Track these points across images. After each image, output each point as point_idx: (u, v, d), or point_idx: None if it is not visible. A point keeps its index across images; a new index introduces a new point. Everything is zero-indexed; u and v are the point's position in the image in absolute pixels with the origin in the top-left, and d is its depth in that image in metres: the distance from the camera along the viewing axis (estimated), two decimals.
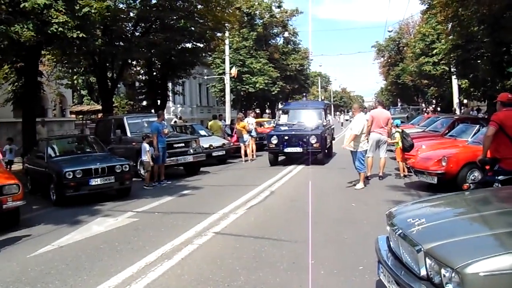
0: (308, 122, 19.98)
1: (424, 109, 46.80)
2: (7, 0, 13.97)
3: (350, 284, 6.05)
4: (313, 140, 18.37)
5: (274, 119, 33.46)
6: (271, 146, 19.09)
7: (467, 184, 9.93)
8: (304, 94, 31.21)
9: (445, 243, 4.07)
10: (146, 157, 15.11)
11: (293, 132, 19.09)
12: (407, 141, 14.45)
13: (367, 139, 14.14)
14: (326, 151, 19.84)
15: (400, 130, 14.95)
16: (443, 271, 3.81)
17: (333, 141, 23.26)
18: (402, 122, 18.45)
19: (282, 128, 19.99)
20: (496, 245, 4.00)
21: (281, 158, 20.07)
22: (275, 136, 19.01)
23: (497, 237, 4.13)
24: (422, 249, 4.09)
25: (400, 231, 4.63)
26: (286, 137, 18.83)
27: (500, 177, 7.32)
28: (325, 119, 20.93)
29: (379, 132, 14.50)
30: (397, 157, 14.90)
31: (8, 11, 14.06)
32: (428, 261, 4.01)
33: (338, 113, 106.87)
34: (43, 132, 21.67)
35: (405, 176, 14.43)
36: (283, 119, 21.51)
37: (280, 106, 45.37)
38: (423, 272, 4.07)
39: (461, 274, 3.63)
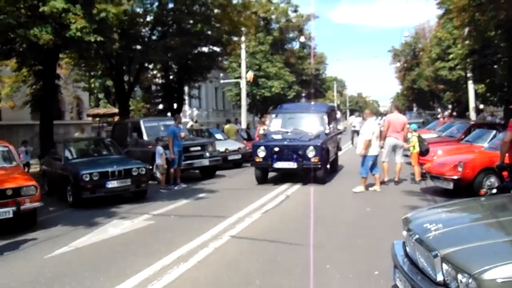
0: (307, 129, 16.23)
1: (441, 114, 46.43)
2: (26, 4, 14.15)
3: None
4: (311, 153, 14.73)
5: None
6: (257, 160, 15.44)
7: (484, 189, 9.88)
8: (303, 95, 23.36)
9: (462, 249, 4.06)
10: (160, 160, 15.19)
11: (286, 143, 15.37)
12: (423, 145, 14.45)
13: (383, 144, 14.22)
14: (328, 166, 16.15)
15: (417, 135, 14.92)
16: (460, 276, 3.80)
17: (340, 152, 20.31)
18: (418, 127, 18.22)
19: (274, 136, 16.04)
20: None
21: (272, 174, 16.68)
22: (262, 147, 15.39)
23: None
24: (438, 254, 4.08)
25: (417, 236, 4.63)
26: (277, 149, 15.12)
27: None
28: (329, 125, 16.76)
29: (395, 137, 14.44)
30: (413, 161, 14.82)
31: (27, 15, 14.23)
32: (445, 266, 4.00)
33: (353, 116, 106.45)
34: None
35: (420, 181, 14.38)
36: (276, 125, 17.09)
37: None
38: (439, 278, 4.06)
39: (478, 280, 3.62)
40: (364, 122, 14.37)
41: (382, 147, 14.60)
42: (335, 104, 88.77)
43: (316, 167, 14.78)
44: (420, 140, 14.59)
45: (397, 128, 14.48)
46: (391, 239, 5.69)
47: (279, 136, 15.95)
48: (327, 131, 16.27)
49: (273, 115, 18.17)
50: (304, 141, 15.19)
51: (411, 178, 14.88)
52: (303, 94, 25.00)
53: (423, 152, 14.42)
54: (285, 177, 16.17)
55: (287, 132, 16.27)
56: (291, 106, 20.81)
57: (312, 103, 23.71)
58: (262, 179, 15.81)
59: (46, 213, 11.79)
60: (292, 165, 15.02)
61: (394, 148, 14.49)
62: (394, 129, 14.45)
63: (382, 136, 14.46)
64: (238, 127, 26.09)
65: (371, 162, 13.44)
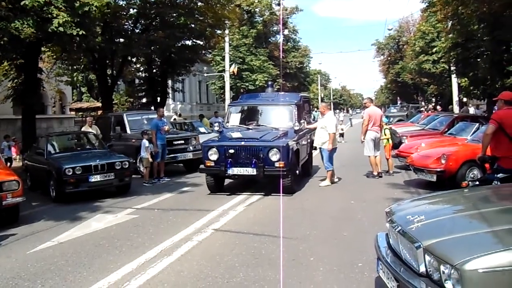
0: (272, 125, 13.51)
1: (425, 107, 46.68)
2: None
3: (349, 280, 6.06)
4: (274, 156, 11.85)
5: None
6: (208, 164, 12.53)
7: (466, 181, 9.96)
8: (269, 83, 18.40)
9: (444, 240, 4.07)
10: (145, 154, 15.11)
11: (243, 143, 12.33)
12: (395, 138, 14.98)
13: (363, 138, 14.32)
14: (297, 171, 12.98)
15: (389, 128, 15.22)
16: (442, 267, 3.81)
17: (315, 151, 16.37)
18: (388, 120, 18.32)
19: (233, 134, 13.05)
20: (495, 242, 4.01)
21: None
22: (214, 149, 12.47)
23: (496, 234, 4.13)
24: (421, 245, 4.10)
25: (400, 228, 4.64)
26: (232, 150, 12.17)
27: (499, 175, 7.33)
28: (300, 120, 13.64)
29: (376, 130, 14.45)
30: (386, 154, 14.97)
31: (9, 8, 14.07)
32: (427, 257, 4.01)
33: (337, 110, 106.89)
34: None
35: (393, 172, 14.84)
36: (234, 119, 14.20)
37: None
38: (422, 269, 4.08)
39: (460, 271, 3.63)
40: (323, 116, 14.01)
41: (362, 142, 14.62)
42: (319, 96, 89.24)
43: (281, 173, 11.79)
44: (392, 133, 14.91)
45: (377, 122, 14.52)
46: (374, 231, 5.71)
47: (237, 134, 13.06)
48: (297, 128, 13.19)
49: (231, 108, 15.33)
50: (266, 141, 12.25)
51: (384, 170, 14.85)
52: (269, 82, 20.56)
53: (396, 144, 14.78)
54: (242, 185, 13.60)
55: (248, 129, 13.60)
56: (254, 97, 17.59)
57: (282, 93, 20.27)
58: (215, 188, 12.97)
59: (29, 208, 11.70)
60: (250, 171, 12.09)
61: (375, 141, 14.48)
62: (375, 122, 14.47)
63: (363, 131, 14.48)
64: (211, 121, 26.36)
65: (332, 155, 13.54)
